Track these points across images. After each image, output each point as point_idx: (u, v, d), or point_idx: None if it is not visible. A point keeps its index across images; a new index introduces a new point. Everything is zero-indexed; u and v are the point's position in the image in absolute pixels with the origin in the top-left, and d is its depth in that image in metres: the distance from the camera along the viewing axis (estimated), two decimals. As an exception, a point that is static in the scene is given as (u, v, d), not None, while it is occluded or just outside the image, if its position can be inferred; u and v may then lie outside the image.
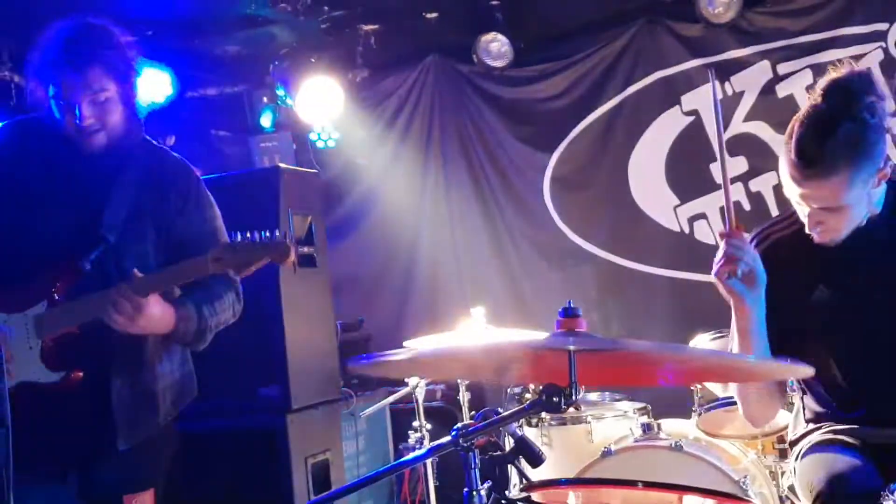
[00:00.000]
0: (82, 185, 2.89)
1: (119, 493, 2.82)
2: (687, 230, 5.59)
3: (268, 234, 2.67)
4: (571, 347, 1.99)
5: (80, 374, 2.79)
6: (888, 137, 2.57)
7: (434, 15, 5.54)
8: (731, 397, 3.61)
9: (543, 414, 4.04)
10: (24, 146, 2.95)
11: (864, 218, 2.59)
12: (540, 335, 2.09)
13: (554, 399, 2.07)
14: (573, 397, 2.07)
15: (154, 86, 5.27)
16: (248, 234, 2.69)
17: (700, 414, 3.90)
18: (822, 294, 2.67)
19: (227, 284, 2.93)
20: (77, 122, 2.80)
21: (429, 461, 4.02)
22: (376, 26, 5.66)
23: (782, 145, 2.57)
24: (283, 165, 4.75)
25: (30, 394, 2.77)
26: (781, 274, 2.62)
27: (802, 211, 2.57)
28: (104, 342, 2.80)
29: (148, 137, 3.06)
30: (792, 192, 2.55)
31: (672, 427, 3.88)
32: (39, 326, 2.79)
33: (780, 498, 3.46)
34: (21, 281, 2.82)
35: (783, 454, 3.62)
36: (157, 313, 2.73)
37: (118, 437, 2.82)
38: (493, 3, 5.47)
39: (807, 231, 2.60)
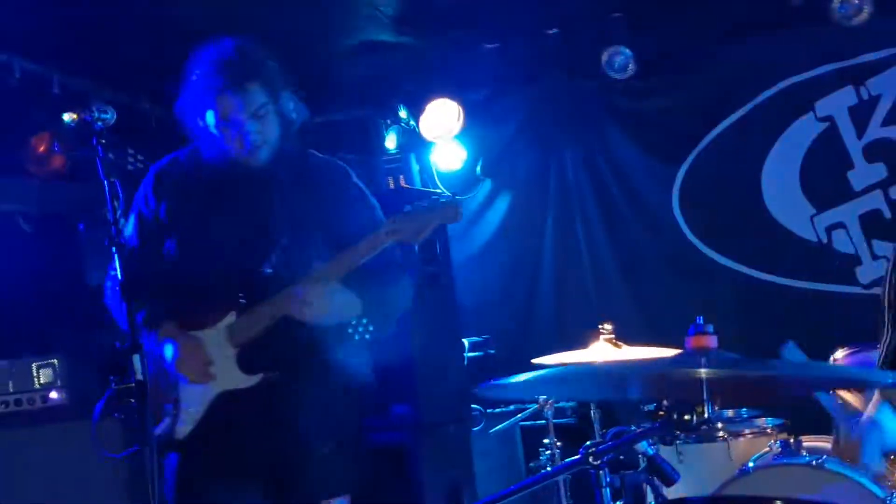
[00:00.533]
0: (247, 199, 3.04)
1: (317, 497, 2.93)
2: (825, 240, 5.44)
3: (435, 197, 2.80)
4: (703, 371, 1.98)
5: (274, 375, 2.92)
6: None
7: (555, 31, 5.56)
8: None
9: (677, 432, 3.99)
10: (188, 177, 3.11)
11: None
12: (669, 353, 2.09)
13: (686, 417, 2.07)
14: (705, 415, 2.06)
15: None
16: (418, 204, 2.79)
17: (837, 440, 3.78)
18: None
19: (399, 270, 3.02)
20: (243, 140, 2.93)
21: (561, 480, 4.01)
22: (497, 45, 5.71)
23: None
24: (406, 186, 4.83)
25: (229, 401, 2.94)
26: None
27: None
28: (296, 343, 2.93)
29: (303, 148, 3.19)
30: None
31: (814, 444, 3.77)
32: (231, 334, 2.95)
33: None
34: (209, 299, 3.00)
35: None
36: (342, 299, 2.86)
37: (315, 440, 2.92)
38: (616, 15, 5.45)
39: None
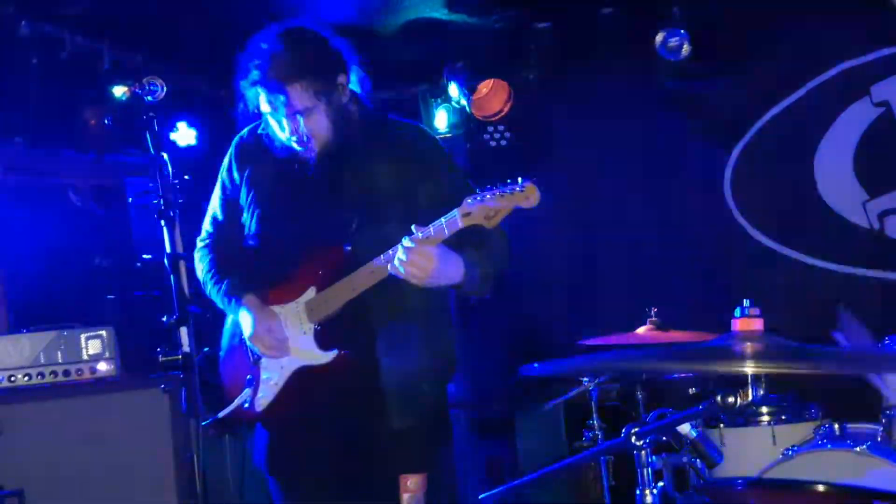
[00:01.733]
0: (320, 176, 3.04)
1: (395, 472, 2.93)
2: (877, 226, 5.37)
3: (510, 181, 2.77)
4: (748, 351, 1.96)
5: (349, 352, 2.94)
6: None
7: (609, 10, 5.52)
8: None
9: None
10: (265, 150, 3.13)
11: None
12: (714, 337, 2.08)
13: (730, 401, 2.06)
14: (750, 399, 2.05)
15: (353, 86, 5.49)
16: (493, 186, 2.78)
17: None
18: None
19: (498, 230, 2.96)
20: (292, 134, 2.96)
21: (603, 460, 4.02)
22: (549, 24, 5.68)
23: None
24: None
25: (306, 377, 2.98)
26: None
27: None
28: (373, 320, 2.96)
29: (374, 114, 3.16)
30: None
31: (859, 429, 3.75)
32: (310, 311, 2.99)
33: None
34: (288, 276, 3.04)
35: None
36: (442, 258, 2.82)
37: (392, 416, 2.94)
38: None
39: None
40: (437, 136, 3.54)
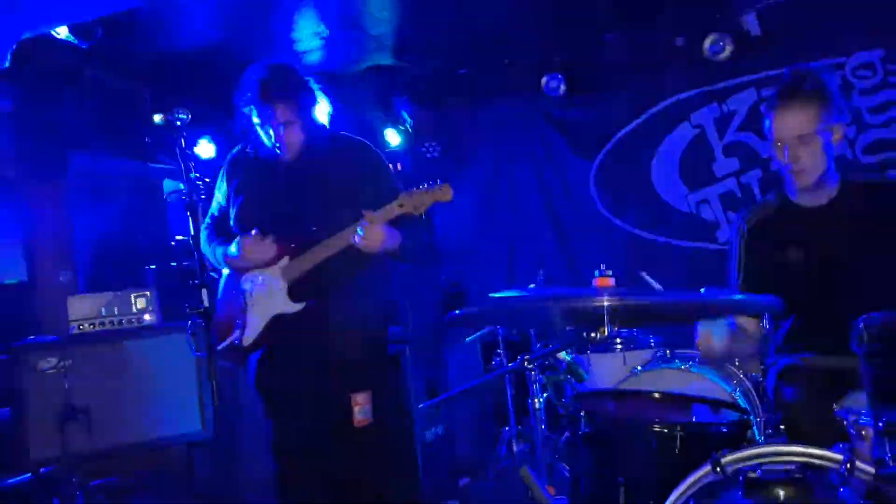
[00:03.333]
0: (290, 179, 2.96)
1: (347, 390, 2.87)
2: (695, 211, 5.45)
3: (432, 182, 2.74)
4: (604, 301, 1.97)
5: (314, 303, 2.87)
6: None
7: (508, 60, 5.50)
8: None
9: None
10: (250, 161, 3.05)
11: (824, 172, 2.54)
12: (580, 291, 2.08)
13: (593, 335, 2.06)
14: (607, 333, 2.06)
15: (321, 113, 5.39)
16: (421, 185, 2.75)
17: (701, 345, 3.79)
18: (789, 254, 2.61)
19: (419, 220, 2.91)
20: (275, 141, 2.87)
21: (507, 377, 4.02)
22: (465, 70, 5.62)
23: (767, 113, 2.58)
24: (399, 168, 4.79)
25: (282, 322, 2.89)
26: (761, 239, 2.56)
27: (783, 153, 2.54)
28: (332, 280, 2.88)
29: (334, 133, 3.08)
30: (777, 137, 2.52)
31: (684, 353, 3.79)
32: (284, 273, 2.90)
33: (763, 405, 3.37)
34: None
35: (765, 373, 3.51)
36: (388, 233, 2.79)
37: (345, 349, 2.88)
38: (553, 48, 5.39)
39: (788, 172, 2.56)
40: (384, 150, 3.47)
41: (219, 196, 3.15)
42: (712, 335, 2.50)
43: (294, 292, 2.89)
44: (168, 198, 4.93)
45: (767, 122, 2.57)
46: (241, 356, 2.96)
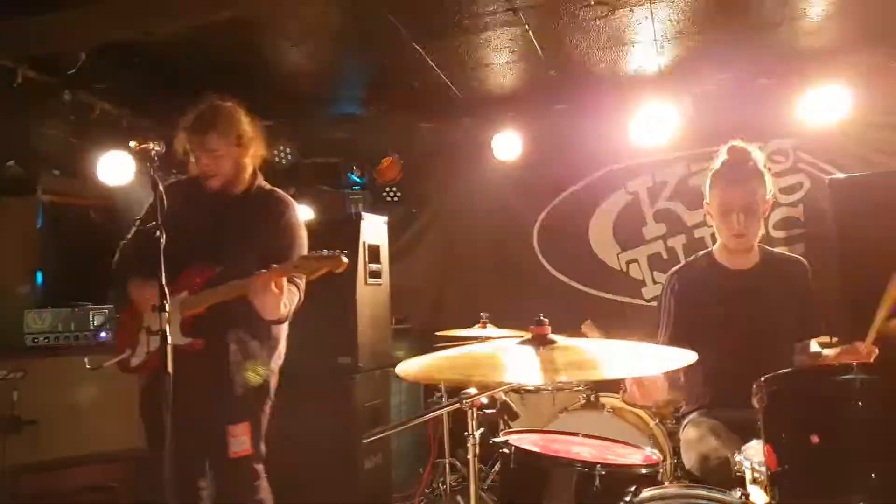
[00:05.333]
0: (209, 212, 2.92)
1: (224, 423, 2.81)
2: (625, 269, 5.56)
3: (328, 251, 2.58)
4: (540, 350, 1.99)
5: (202, 340, 2.79)
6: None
7: (468, 119, 5.53)
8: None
9: (521, 386, 4.04)
10: (182, 190, 2.97)
11: (755, 247, 2.65)
12: (515, 339, 2.10)
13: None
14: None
15: (281, 153, 5.36)
16: (318, 251, 2.60)
17: (625, 391, 3.84)
18: (715, 309, 2.70)
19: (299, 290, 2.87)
20: (201, 168, 2.86)
21: (445, 413, 4.00)
22: (431, 124, 5.65)
23: (707, 193, 2.72)
24: (364, 213, 4.79)
25: (175, 354, 2.79)
26: (690, 295, 2.64)
27: (729, 226, 2.63)
28: (224, 318, 2.80)
29: (262, 184, 3.02)
30: (727, 208, 2.60)
31: (608, 400, 3.86)
32: (182, 306, 2.81)
33: (673, 450, 3.42)
34: (176, 277, 2.81)
35: (678, 420, 3.58)
36: (280, 290, 2.68)
37: (233, 385, 2.81)
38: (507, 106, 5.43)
39: (733, 236, 2.68)
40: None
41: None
42: (639, 382, 2.55)
43: (185, 326, 2.81)
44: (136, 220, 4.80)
45: (711, 194, 2.69)
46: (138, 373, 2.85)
